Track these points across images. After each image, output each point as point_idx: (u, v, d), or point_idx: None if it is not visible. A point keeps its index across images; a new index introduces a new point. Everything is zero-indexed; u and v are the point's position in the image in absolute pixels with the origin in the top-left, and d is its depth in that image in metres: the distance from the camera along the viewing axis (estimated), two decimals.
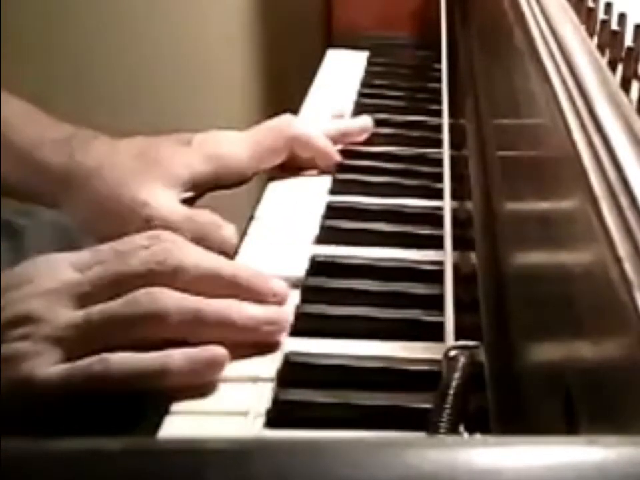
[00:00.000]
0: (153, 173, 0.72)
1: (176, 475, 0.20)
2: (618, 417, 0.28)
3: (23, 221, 0.81)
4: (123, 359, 0.50)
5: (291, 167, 0.79)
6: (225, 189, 0.76)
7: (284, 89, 1.42)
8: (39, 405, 0.49)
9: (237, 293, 0.54)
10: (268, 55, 1.51)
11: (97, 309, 0.51)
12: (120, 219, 0.70)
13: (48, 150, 0.74)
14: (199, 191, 0.74)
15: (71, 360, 0.50)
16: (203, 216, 0.71)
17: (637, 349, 0.27)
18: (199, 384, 0.50)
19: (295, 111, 0.93)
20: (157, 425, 0.48)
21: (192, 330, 0.52)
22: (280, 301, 0.56)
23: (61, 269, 0.53)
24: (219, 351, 0.50)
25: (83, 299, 0.52)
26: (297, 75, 1.15)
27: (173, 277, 0.53)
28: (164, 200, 0.71)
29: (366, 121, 0.85)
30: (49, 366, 0.49)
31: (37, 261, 0.54)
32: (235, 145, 0.75)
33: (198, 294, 0.53)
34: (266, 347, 0.53)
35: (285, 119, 0.79)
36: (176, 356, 0.50)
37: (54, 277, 0.53)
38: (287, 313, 0.55)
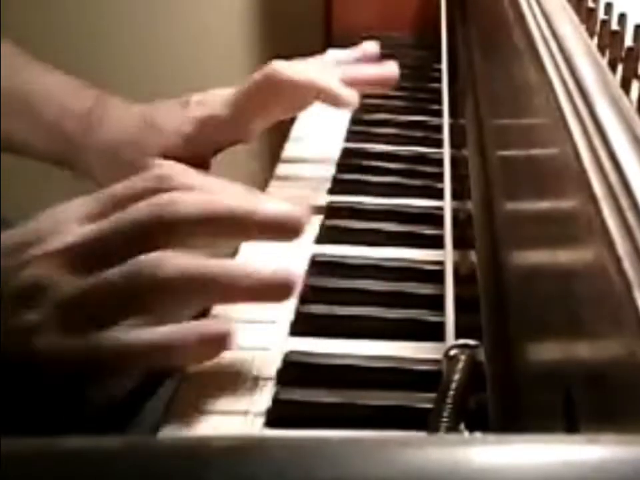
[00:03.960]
0: (148, 140, 0.73)
1: (176, 474, 0.20)
2: (618, 416, 0.28)
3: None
4: (122, 337, 0.48)
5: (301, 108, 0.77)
6: (228, 146, 0.75)
7: None
8: (40, 379, 0.47)
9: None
10: (268, 55, 1.51)
11: (96, 281, 0.48)
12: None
13: (70, 122, 0.77)
14: (196, 153, 0.73)
15: (69, 332, 0.47)
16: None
17: (636, 348, 0.27)
18: (206, 360, 0.50)
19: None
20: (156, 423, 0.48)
21: (198, 298, 0.50)
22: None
23: (65, 225, 0.50)
24: (226, 326, 0.49)
25: (86, 260, 0.49)
26: None
27: (175, 225, 0.49)
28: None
29: (392, 68, 0.78)
30: (50, 338, 0.47)
31: (40, 219, 0.51)
32: (226, 105, 0.73)
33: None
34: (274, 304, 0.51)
35: (277, 65, 0.77)
36: (182, 332, 0.48)
37: (58, 236, 0.49)
38: (296, 275, 0.50)
